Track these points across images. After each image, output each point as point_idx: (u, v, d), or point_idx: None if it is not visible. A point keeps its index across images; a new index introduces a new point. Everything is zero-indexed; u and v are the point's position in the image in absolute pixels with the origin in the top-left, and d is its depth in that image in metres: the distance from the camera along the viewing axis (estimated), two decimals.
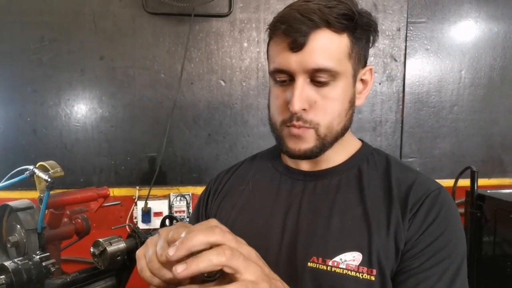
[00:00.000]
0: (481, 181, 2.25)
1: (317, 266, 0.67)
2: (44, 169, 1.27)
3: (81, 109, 2.14)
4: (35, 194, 1.31)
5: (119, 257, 1.19)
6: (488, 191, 1.54)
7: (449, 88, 2.43)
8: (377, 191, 0.73)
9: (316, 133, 0.70)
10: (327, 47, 0.65)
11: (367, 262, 0.66)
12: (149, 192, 2.11)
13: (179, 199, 2.19)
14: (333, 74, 0.67)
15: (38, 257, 1.04)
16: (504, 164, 2.51)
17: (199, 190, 2.25)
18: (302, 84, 0.67)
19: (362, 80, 0.74)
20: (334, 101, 0.69)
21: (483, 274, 1.48)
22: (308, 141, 0.71)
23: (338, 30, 0.65)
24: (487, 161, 2.48)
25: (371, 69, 0.74)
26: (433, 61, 2.40)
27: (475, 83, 2.45)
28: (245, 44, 2.24)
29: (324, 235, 0.70)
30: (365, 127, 2.32)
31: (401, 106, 2.39)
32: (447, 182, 2.10)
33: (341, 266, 0.66)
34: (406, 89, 2.39)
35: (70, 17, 2.10)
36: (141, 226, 2.10)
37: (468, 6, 2.40)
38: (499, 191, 1.62)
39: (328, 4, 0.65)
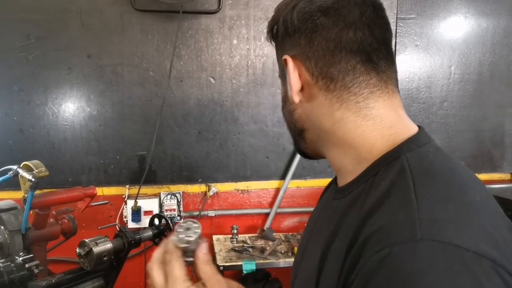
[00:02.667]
0: None
1: None
2: (28, 169, 1.25)
3: (69, 107, 2.12)
4: (21, 195, 1.29)
5: (105, 258, 1.18)
6: None
7: (439, 84, 2.44)
8: (352, 223, 0.53)
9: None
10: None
11: None
12: (138, 191, 2.10)
13: (169, 198, 2.17)
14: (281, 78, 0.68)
15: (21, 258, 1.03)
16: (494, 159, 2.52)
17: (189, 188, 2.24)
18: None
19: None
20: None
21: None
22: None
23: (270, 42, 0.68)
24: (477, 157, 2.49)
25: (284, 60, 0.63)
26: (423, 57, 2.41)
27: (465, 78, 2.46)
28: (235, 41, 2.23)
29: (300, 265, 0.67)
30: None
31: None
32: None
33: None
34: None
35: (57, 15, 2.07)
36: (131, 225, 2.09)
37: (458, 2, 2.41)
38: (488, 186, 1.62)
39: None
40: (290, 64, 0.61)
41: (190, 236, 0.56)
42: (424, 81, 2.42)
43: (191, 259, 0.57)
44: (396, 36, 2.36)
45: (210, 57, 2.21)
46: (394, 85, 0.60)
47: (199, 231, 0.57)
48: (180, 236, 0.57)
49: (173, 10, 2.10)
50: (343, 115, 0.60)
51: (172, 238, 0.57)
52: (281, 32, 0.63)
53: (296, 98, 0.62)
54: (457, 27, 2.42)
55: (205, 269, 0.56)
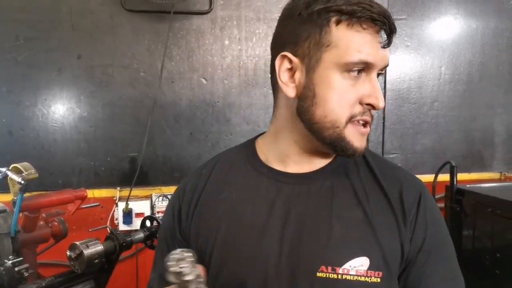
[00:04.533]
0: (462, 176, 2.27)
1: (327, 276, 0.66)
2: (18, 171, 1.23)
3: (59, 109, 2.10)
4: (9, 197, 1.27)
5: (96, 260, 1.17)
6: (467, 186, 1.56)
7: (429, 84, 2.45)
8: (371, 190, 0.73)
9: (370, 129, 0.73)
10: None
11: (374, 265, 0.67)
12: (129, 193, 2.08)
13: (161, 199, 2.16)
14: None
15: (10, 262, 1.01)
16: (484, 159, 2.55)
17: None
18: (377, 79, 0.68)
19: None
20: None
21: (463, 267, 1.49)
22: (366, 138, 0.72)
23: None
24: (467, 156, 2.51)
25: None
26: (414, 57, 2.42)
27: (455, 79, 2.48)
28: (227, 42, 2.22)
29: (329, 242, 0.69)
30: None
31: None
32: (429, 178, 2.12)
33: (351, 272, 0.66)
34: (388, 85, 2.40)
35: (47, 15, 2.05)
36: (123, 227, 2.07)
37: (448, 3, 2.43)
38: (478, 185, 1.64)
39: None
40: None
41: (183, 267, 0.54)
42: (415, 81, 2.44)
43: None
44: None
45: (201, 57, 2.21)
46: None
47: (192, 259, 0.56)
48: (172, 269, 0.54)
49: (164, 11, 2.08)
50: None
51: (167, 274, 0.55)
52: None
53: None
54: (447, 28, 2.44)
55: None
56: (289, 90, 0.70)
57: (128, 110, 2.15)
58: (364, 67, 0.66)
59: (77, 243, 1.14)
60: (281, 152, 0.77)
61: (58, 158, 2.10)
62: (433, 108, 2.47)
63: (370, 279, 0.66)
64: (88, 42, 2.09)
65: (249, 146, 0.83)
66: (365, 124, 0.69)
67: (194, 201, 0.79)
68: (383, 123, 2.40)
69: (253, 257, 0.70)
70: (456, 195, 1.51)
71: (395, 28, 0.67)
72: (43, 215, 1.39)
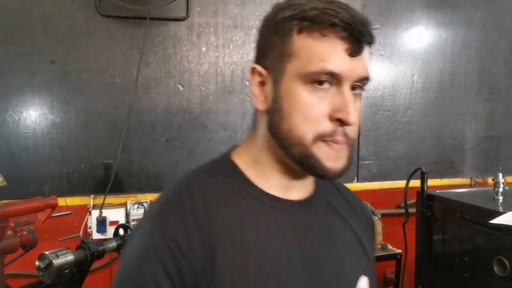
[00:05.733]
0: (434, 182, 2.32)
1: None
2: None
3: (31, 115, 2.05)
4: None
5: (67, 270, 1.15)
6: (437, 191, 1.60)
7: (402, 92, 2.52)
8: (346, 206, 0.77)
9: (348, 149, 0.64)
10: (368, 56, 0.63)
11: (370, 282, 0.72)
12: (103, 201, 2.04)
13: (136, 207, 2.13)
14: (366, 85, 0.64)
15: None
16: (455, 165, 2.62)
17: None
18: (350, 93, 0.60)
19: None
20: (360, 114, 0.66)
21: (433, 271, 1.53)
22: (344, 158, 0.63)
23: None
24: (439, 162, 2.58)
25: None
26: (387, 66, 2.48)
27: (427, 87, 2.55)
28: (204, 49, 2.22)
29: (344, 270, 0.70)
30: None
31: None
32: (402, 184, 2.16)
33: None
34: (363, 93, 2.44)
35: (19, 19, 2.01)
36: (96, 236, 2.03)
37: (419, 14, 2.51)
38: (448, 191, 1.69)
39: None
40: None
41: None
42: (389, 89, 2.49)
43: None
44: None
45: (178, 64, 2.20)
46: None
47: None
48: None
49: (140, 17, 2.07)
50: None
51: None
52: None
53: None
54: (419, 38, 2.52)
55: None
56: (259, 104, 0.66)
57: (103, 116, 2.12)
58: (333, 79, 0.60)
59: (46, 252, 1.12)
60: (273, 177, 0.68)
61: (29, 166, 2.05)
62: (406, 115, 2.53)
63: None
64: (62, 47, 2.06)
65: (232, 171, 0.69)
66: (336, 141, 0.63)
67: (206, 242, 0.60)
68: (359, 130, 2.44)
69: None
70: (426, 201, 1.54)
71: (366, 35, 0.59)
72: (12, 224, 1.35)
